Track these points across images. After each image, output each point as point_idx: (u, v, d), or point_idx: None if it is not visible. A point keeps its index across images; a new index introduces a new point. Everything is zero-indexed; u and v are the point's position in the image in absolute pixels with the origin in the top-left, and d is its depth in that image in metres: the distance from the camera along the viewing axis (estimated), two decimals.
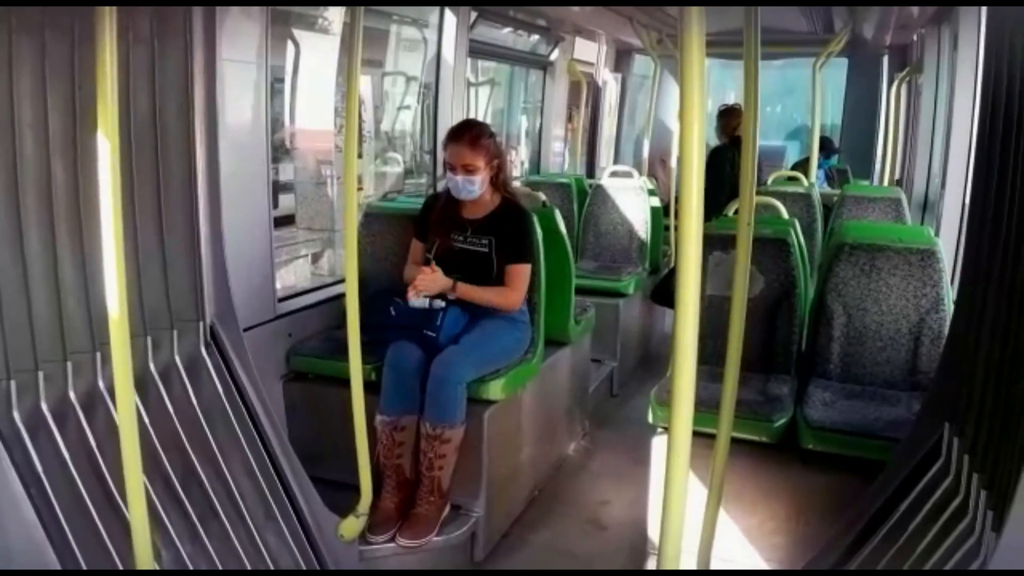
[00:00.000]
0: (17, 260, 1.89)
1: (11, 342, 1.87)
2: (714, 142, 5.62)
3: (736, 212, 3.53)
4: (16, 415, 1.88)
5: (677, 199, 1.31)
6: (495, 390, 2.89)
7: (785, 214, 3.73)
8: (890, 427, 2.50)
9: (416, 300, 2.83)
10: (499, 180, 2.98)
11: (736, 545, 2.55)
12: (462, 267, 2.90)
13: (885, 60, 7.20)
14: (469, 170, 2.85)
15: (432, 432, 2.73)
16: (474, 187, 2.88)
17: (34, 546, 1.80)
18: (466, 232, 2.98)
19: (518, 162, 7.38)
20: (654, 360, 5.23)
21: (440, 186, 3.27)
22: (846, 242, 2.94)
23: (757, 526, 2.58)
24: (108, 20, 1.56)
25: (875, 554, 2.01)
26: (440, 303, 2.86)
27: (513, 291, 2.92)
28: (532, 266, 3.03)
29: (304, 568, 2.45)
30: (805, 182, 5.47)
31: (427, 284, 2.81)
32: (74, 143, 1.97)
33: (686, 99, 1.28)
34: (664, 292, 5.07)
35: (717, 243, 3.02)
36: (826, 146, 6.78)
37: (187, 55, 2.31)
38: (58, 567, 1.81)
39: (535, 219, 3.09)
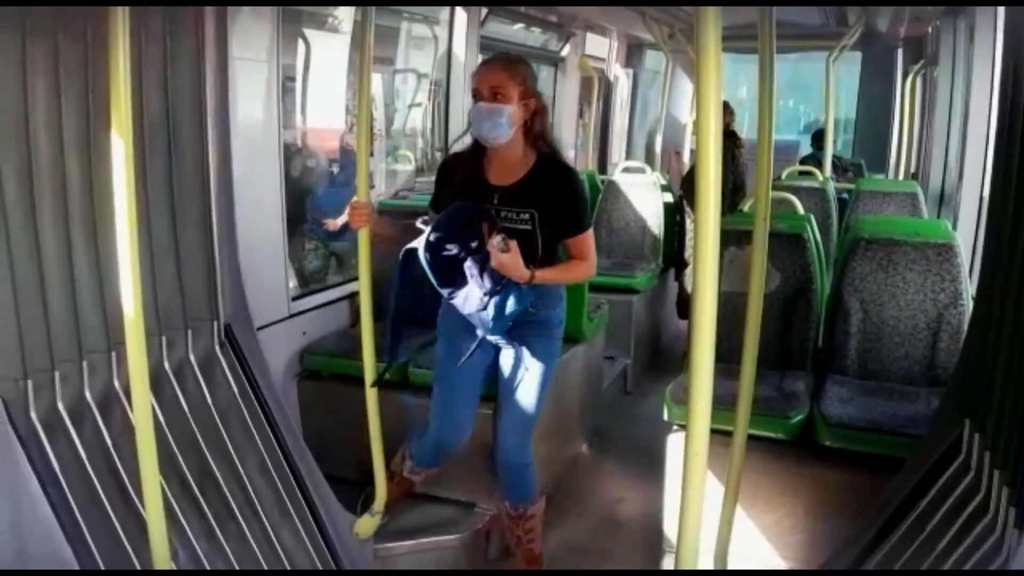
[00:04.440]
0: (33, 261, 1.89)
1: (27, 342, 1.88)
2: None
3: (751, 207, 3.50)
4: (33, 414, 1.89)
5: (694, 196, 1.29)
6: None
7: (801, 209, 3.70)
8: (908, 423, 2.47)
9: (467, 306, 2.33)
10: (534, 130, 2.39)
11: (753, 543, 2.53)
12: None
13: (899, 53, 7.13)
14: (497, 95, 2.30)
15: (515, 513, 2.71)
16: (501, 120, 2.30)
17: (51, 544, 1.81)
18: (492, 201, 2.39)
19: None
20: (668, 357, 5.20)
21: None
22: (863, 237, 2.91)
23: (774, 523, 2.56)
24: (121, 21, 1.57)
25: (894, 552, 1.98)
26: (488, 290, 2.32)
27: (587, 260, 2.44)
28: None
29: (319, 566, 2.46)
30: (820, 176, 5.42)
31: (507, 263, 2.22)
32: (88, 144, 1.97)
33: (703, 99, 1.26)
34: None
35: (732, 239, 3.00)
36: (817, 138, 6.80)
37: (199, 54, 2.31)
38: (75, 565, 1.82)
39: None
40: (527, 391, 2.54)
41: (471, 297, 2.29)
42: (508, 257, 2.20)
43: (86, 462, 1.96)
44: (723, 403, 2.13)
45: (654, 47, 7.16)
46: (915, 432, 2.40)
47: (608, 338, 4.15)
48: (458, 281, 2.28)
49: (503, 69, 2.33)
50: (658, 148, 6.48)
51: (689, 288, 4.45)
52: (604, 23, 6.49)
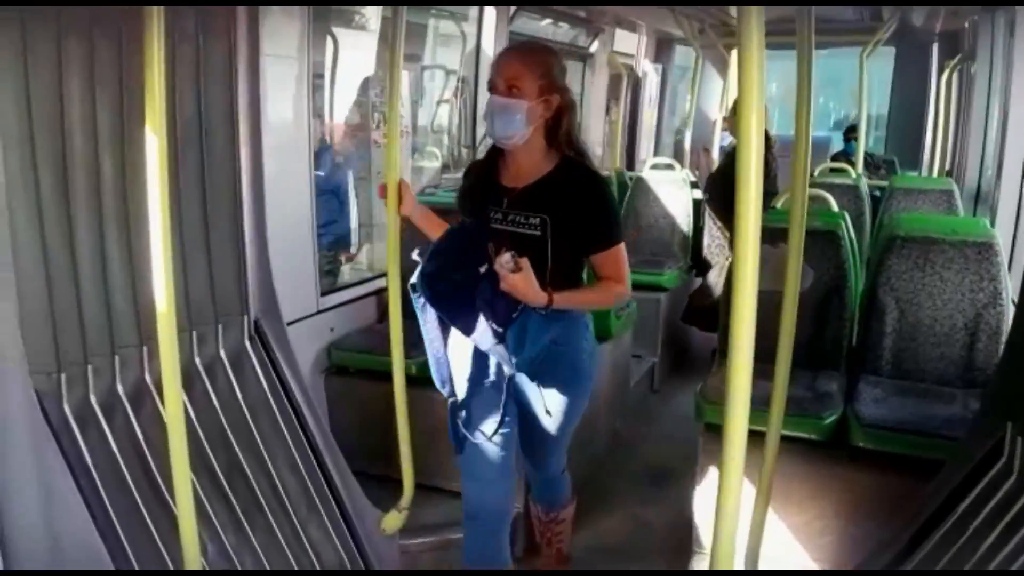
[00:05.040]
0: (67, 256, 1.91)
1: (61, 336, 1.90)
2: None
3: (784, 204, 3.45)
4: (66, 406, 1.91)
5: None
6: None
7: (835, 207, 3.65)
8: (944, 425, 2.42)
9: (484, 342, 1.99)
10: (559, 132, 2.05)
11: (784, 544, 2.50)
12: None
13: (935, 48, 7.00)
14: (513, 88, 1.98)
15: (546, 517, 2.69)
16: (515, 117, 1.97)
17: (83, 534, 1.83)
18: (501, 204, 2.08)
19: None
20: (695, 355, 5.16)
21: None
22: (898, 235, 2.86)
23: (805, 525, 2.53)
24: (155, 20, 1.57)
25: (932, 556, 1.94)
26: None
27: (620, 283, 2.08)
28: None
29: (346, 560, 2.46)
30: (853, 173, 5.34)
31: (519, 284, 1.89)
32: (122, 141, 1.99)
33: (745, 98, 1.24)
34: (694, 312, 4.86)
35: (764, 236, 2.95)
36: (849, 134, 6.72)
37: (231, 52, 2.32)
38: (106, 557, 1.84)
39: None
40: (557, 430, 2.28)
41: (487, 331, 1.95)
42: (519, 277, 1.87)
43: (117, 455, 1.98)
44: (756, 403, 2.10)
45: (684, 43, 7.10)
46: (951, 434, 2.34)
47: (635, 336, 4.13)
48: (469, 314, 1.96)
49: (520, 59, 2.02)
50: (687, 145, 6.42)
51: (715, 292, 4.39)
52: (633, 19, 6.45)
